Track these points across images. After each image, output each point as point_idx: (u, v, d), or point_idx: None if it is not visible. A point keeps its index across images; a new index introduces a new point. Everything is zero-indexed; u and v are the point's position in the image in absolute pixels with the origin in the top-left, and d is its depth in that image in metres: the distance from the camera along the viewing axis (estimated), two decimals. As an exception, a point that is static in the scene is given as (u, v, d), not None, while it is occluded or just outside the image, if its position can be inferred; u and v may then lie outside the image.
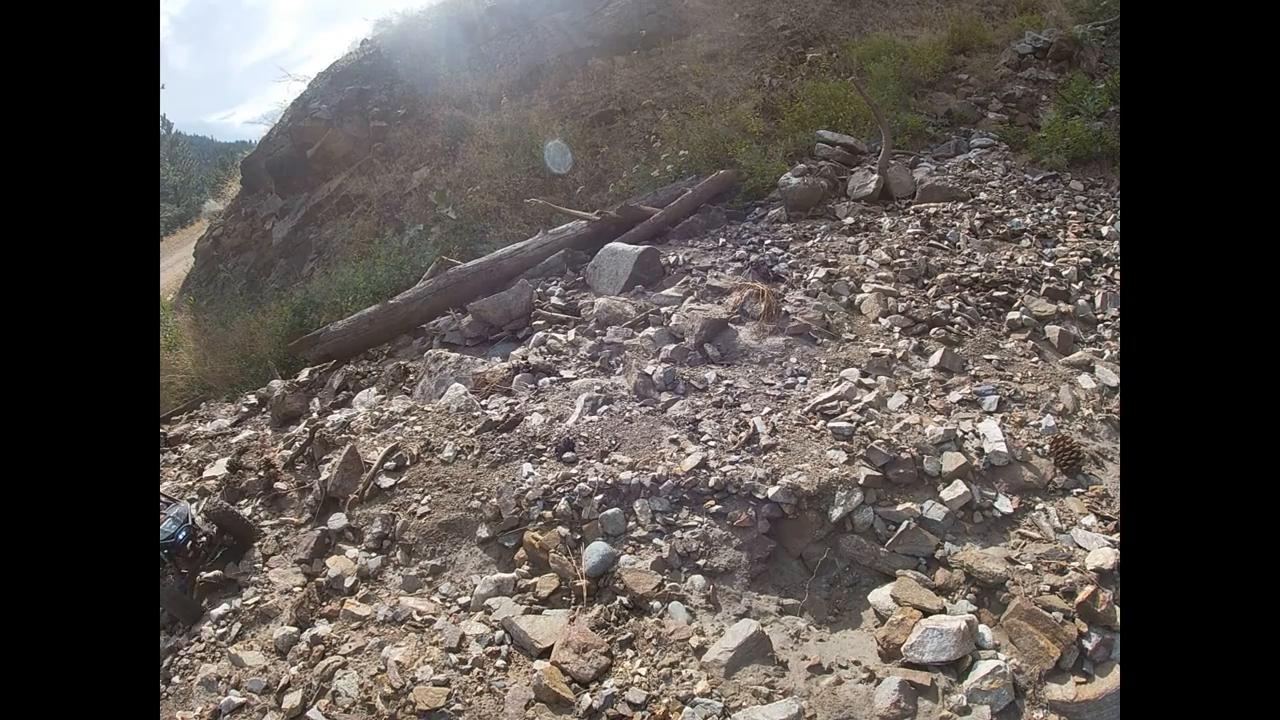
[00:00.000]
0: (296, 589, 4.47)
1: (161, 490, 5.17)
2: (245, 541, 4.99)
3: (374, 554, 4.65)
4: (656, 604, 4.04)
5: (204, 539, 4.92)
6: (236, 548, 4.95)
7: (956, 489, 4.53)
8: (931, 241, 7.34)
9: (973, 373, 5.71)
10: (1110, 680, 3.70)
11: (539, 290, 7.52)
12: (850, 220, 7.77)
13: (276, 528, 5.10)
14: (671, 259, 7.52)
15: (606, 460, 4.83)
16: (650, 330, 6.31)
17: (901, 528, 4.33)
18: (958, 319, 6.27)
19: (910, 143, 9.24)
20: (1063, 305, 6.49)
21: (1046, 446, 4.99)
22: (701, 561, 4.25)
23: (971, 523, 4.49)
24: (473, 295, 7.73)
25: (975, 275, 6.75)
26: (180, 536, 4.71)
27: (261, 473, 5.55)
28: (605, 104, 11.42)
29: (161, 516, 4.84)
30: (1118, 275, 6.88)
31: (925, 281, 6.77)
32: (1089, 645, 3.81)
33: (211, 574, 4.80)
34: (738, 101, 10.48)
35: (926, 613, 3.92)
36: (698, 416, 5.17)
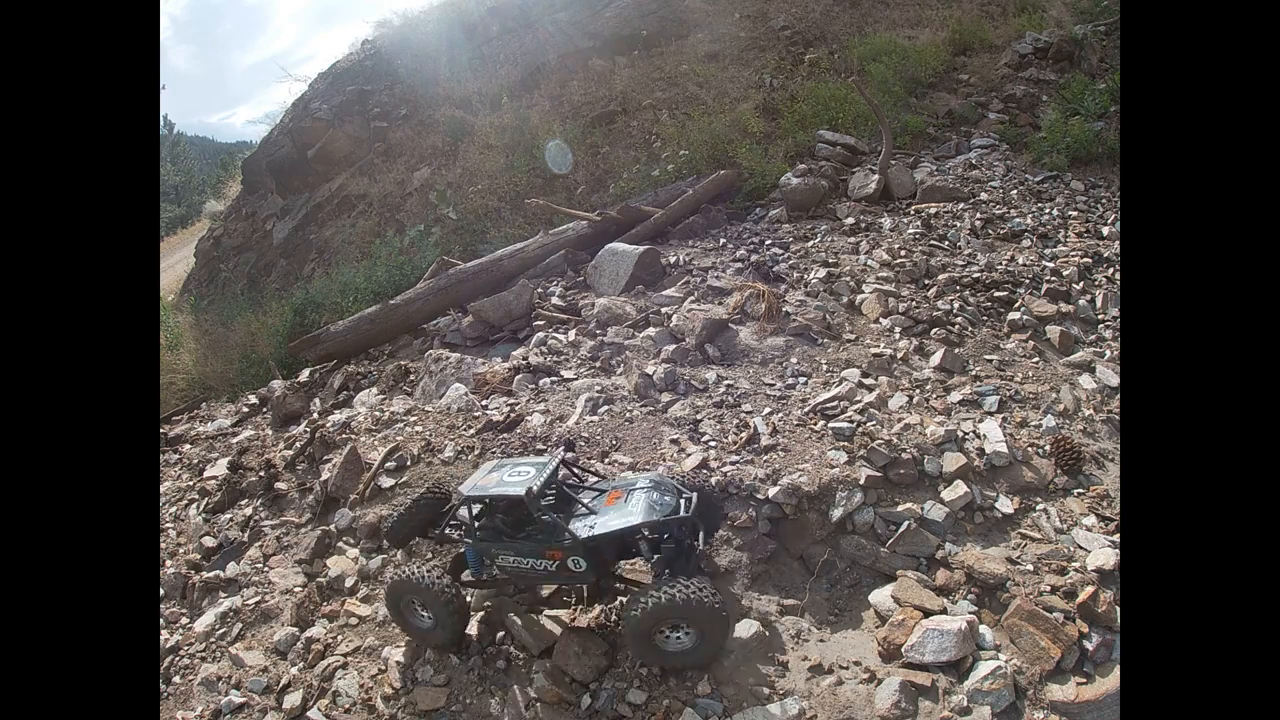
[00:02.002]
0: (297, 589, 4.47)
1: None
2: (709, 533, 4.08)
3: (374, 554, 4.65)
4: (657, 604, 4.03)
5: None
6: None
7: (957, 489, 4.53)
8: (932, 242, 7.34)
9: (973, 373, 5.71)
10: (1110, 680, 3.69)
11: (539, 290, 7.53)
12: (851, 220, 7.77)
13: (277, 528, 5.10)
14: (672, 259, 7.52)
15: (607, 460, 4.83)
16: (651, 330, 6.31)
17: (902, 528, 4.33)
18: (958, 319, 6.27)
19: (911, 143, 9.25)
20: (1063, 305, 6.49)
21: (1047, 447, 4.99)
22: (702, 562, 4.24)
23: (972, 523, 4.49)
24: (473, 295, 7.73)
25: (976, 275, 6.76)
26: (682, 513, 3.71)
27: (262, 473, 5.55)
28: (606, 104, 11.42)
29: (637, 486, 3.86)
30: (1118, 275, 6.87)
31: (926, 282, 6.77)
32: (1089, 645, 3.81)
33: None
34: (738, 102, 10.49)
35: (927, 613, 3.92)
36: (698, 417, 5.17)
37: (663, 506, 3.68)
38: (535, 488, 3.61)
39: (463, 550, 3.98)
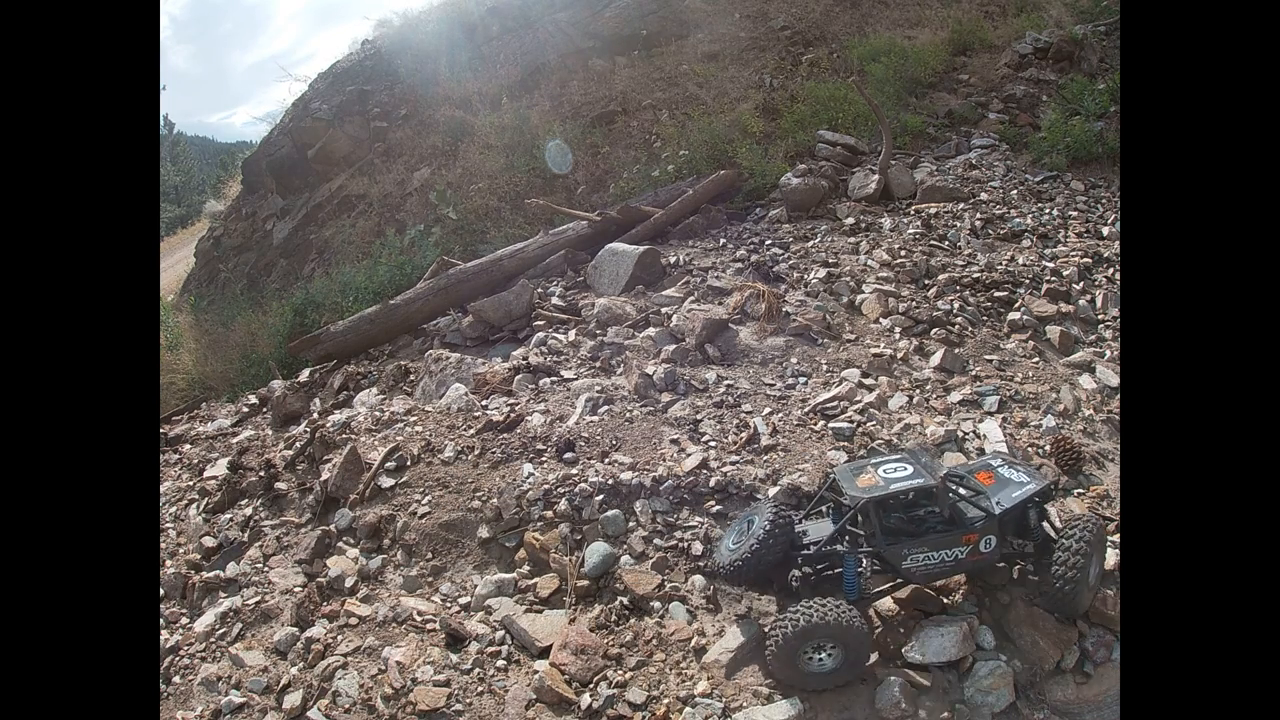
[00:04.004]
0: (297, 589, 4.47)
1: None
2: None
3: (374, 554, 4.65)
4: (657, 604, 4.04)
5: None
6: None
7: (957, 489, 4.53)
8: (932, 242, 7.34)
9: (974, 373, 5.71)
10: (1110, 680, 3.70)
11: (539, 290, 7.52)
12: (851, 221, 7.77)
13: (277, 528, 5.10)
14: (672, 259, 7.52)
15: (607, 460, 4.83)
16: (651, 330, 6.31)
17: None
18: (958, 319, 6.27)
19: (911, 143, 9.24)
20: (1064, 305, 6.50)
21: (1047, 447, 4.99)
22: (702, 562, 4.25)
23: (972, 523, 4.48)
24: (473, 295, 7.73)
25: (976, 276, 6.76)
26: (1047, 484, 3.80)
27: (262, 473, 5.55)
28: (606, 104, 11.42)
29: (993, 464, 3.91)
30: (1118, 275, 6.87)
31: (926, 282, 6.77)
32: (1089, 645, 3.81)
33: None
34: (738, 102, 10.48)
35: (928, 614, 3.92)
36: (698, 417, 5.17)
37: (1038, 476, 3.79)
38: (943, 474, 3.61)
39: (802, 572, 3.73)
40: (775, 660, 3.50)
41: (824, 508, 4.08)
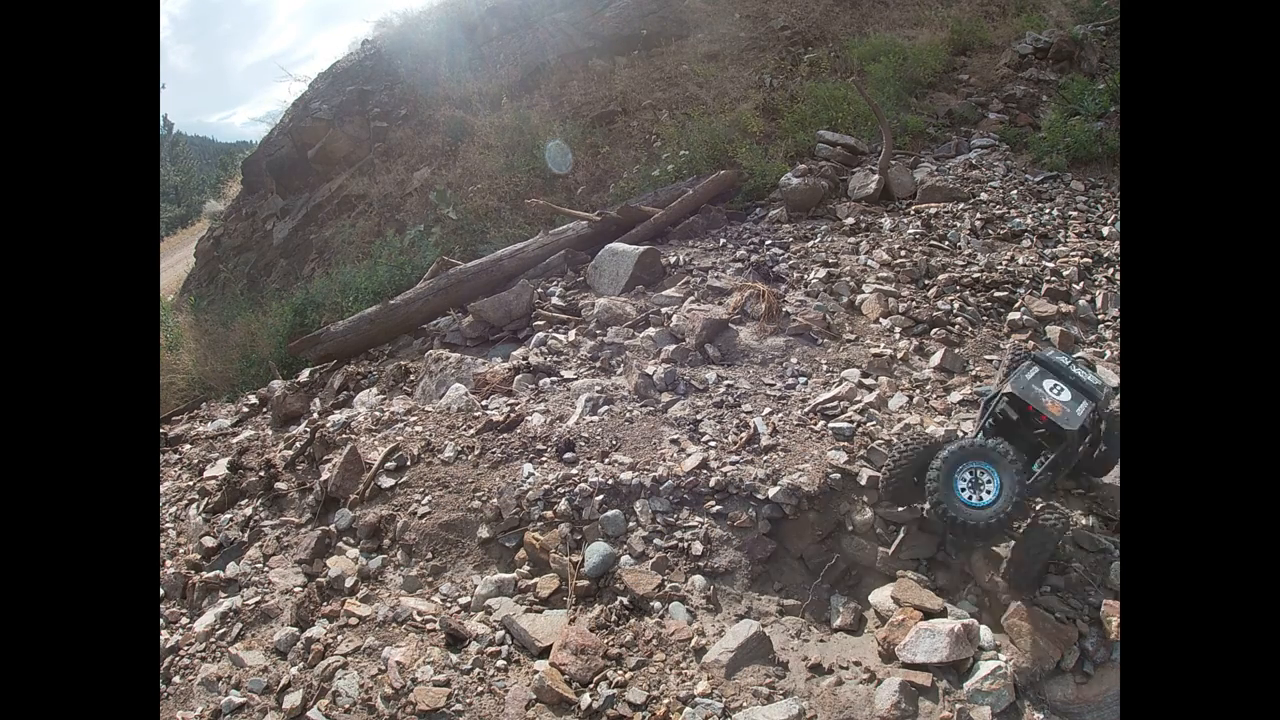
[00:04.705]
0: (297, 589, 4.47)
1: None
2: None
3: (374, 554, 4.65)
4: (657, 604, 4.04)
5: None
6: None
7: (957, 489, 4.52)
8: (932, 242, 7.35)
9: (974, 373, 5.71)
10: (1110, 680, 3.70)
11: (539, 290, 7.52)
12: (851, 221, 7.77)
13: (277, 528, 5.10)
14: (672, 259, 7.52)
15: (607, 461, 4.83)
16: (651, 330, 6.31)
17: (903, 529, 4.32)
18: (958, 319, 6.27)
19: (911, 143, 9.24)
20: (1064, 306, 6.50)
21: (1047, 447, 4.98)
22: (702, 562, 4.25)
23: (972, 523, 4.48)
24: (473, 295, 7.73)
25: (976, 276, 6.76)
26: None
27: (262, 473, 5.55)
28: (606, 104, 11.42)
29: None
30: (1118, 275, 6.88)
31: (926, 282, 6.77)
32: (1089, 645, 3.81)
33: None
34: (738, 102, 10.48)
35: (928, 614, 3.92)
36: (698, 417, 5.17)
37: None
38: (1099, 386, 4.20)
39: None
40: (1032, 558, 3.89)
41: (986, 425, 4.32)
